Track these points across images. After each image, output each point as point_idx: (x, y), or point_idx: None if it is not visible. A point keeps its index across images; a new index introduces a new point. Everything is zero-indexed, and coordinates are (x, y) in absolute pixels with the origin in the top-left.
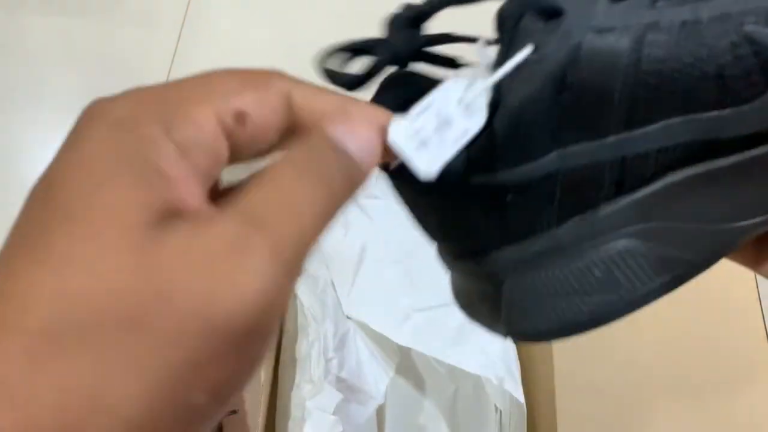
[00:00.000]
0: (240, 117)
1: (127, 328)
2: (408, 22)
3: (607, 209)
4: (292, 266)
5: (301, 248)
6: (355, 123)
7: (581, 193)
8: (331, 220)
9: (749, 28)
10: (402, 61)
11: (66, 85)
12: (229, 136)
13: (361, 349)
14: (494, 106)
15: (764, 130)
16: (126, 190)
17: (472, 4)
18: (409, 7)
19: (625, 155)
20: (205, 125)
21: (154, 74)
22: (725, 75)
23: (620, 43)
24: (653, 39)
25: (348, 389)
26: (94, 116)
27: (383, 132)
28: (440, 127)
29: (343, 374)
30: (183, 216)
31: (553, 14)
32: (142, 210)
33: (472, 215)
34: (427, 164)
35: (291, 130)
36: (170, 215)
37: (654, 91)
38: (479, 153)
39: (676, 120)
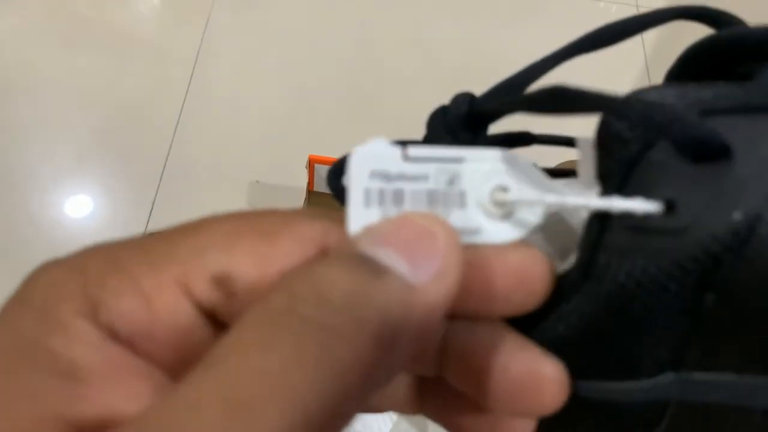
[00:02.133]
0: (221, 282)
1: None
2: (461, 122)
3: None
4: None
5: None
6: (410, 231)
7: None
8: (353, 401)
9: None
10: None
11: (78, 122)
12: (208, 307)
13: None
14: (583, 272)
15: None
16: None
17: (549, 115)
18: (460, 103)
19: None
20: (156, 298)
21: (165, 112)
22: None
23: None
24: None
25: None
26: (25, 288)
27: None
28: (438, 199)
29: None
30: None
31: (712, 153)
32: None
33: None
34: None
35: None
36: (80, 430)
37: None
38: (550, 343)
39: None
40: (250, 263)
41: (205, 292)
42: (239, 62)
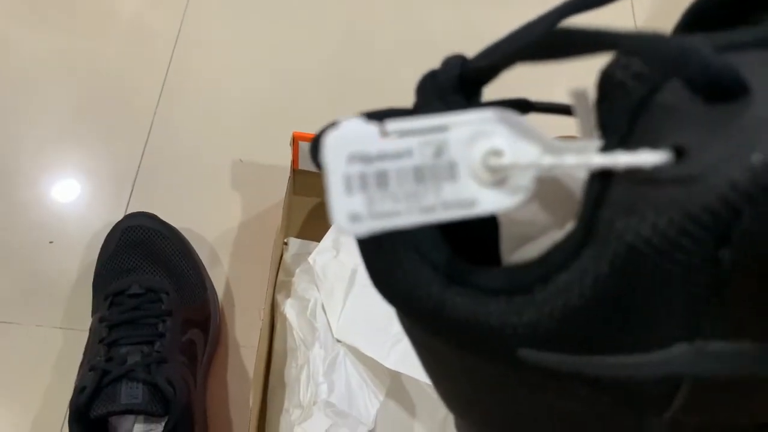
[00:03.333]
0: None
1: None
2: (453, 86)
3: None
4: None
5: None
6: None
7: (728, 410)
8: None
9: None
10: None
11: (57, 104)
12: None
13: (351, 374)
14: (584, 234)
15: None
16: None
17: (552, 60)
18: (452, 65)
19: None
20: None
21: (146, 89)
22: None
23: None
24: None
25: (337, 415)
26: None
27: None
28: (426, 174)
29: (333, 399)
30: None
31: (728, 91)
32: None
33: (520, 399)
34: (351, 216)
35: None
36: None
37: None
38: (548, 317)
39: None
40: None
41: None
42: (222, 37)
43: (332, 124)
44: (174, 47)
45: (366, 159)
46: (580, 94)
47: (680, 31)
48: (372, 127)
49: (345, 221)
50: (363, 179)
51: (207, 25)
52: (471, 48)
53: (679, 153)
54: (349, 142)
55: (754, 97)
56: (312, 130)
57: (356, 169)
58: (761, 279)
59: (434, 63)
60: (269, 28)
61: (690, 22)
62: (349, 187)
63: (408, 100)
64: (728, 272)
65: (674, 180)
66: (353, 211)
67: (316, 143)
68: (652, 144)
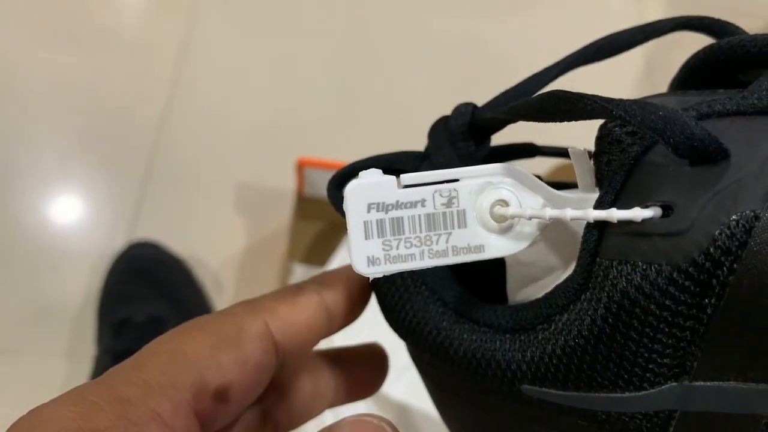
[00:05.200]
0: (221, 395)
1: None
2: (463, 132)
3: None
4: None
5: None
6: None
7: None
8: None
9: None
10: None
11: (61, 125)
12: (208, 418)
13: (357, 404)
14: (583, 279)
15: None
16: None
17: (551, 121)
18: (462, 113)
19: None
20: (175, 424)
21: (150, 112)
22: None
23: None
24: None
25: None
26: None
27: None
28: (438, 221)
29: None
30: None
31: (709, 155)
32: None
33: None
34: (369, 260)
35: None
36: None
37: None
38: (549, 355)
39: None
40: (233, 371)
41: (208, 405)
42: (227, 59)
43: (350, 170)
44: (178, 67)
45: (383, 207)
46: (579, 153)
47: (676, 85)
48: (390, 178)
49: (363, 264)
50: (380, 226)
51: (214, 42)
52: (475, 60)
53: (667, 209)
54: (368, 192)
55: (732, 160)
56: (318, 153)
57: (374, 216)
58: (740, 324)
59: (443, 79)
60: (275, 48)
61: (684, 78)
62: (367, 232)
63: (413, 126)
64: (711, 318)
65: (662, 234)
66: (371, 255)
67: (334, 186)
68: (644, 199)
